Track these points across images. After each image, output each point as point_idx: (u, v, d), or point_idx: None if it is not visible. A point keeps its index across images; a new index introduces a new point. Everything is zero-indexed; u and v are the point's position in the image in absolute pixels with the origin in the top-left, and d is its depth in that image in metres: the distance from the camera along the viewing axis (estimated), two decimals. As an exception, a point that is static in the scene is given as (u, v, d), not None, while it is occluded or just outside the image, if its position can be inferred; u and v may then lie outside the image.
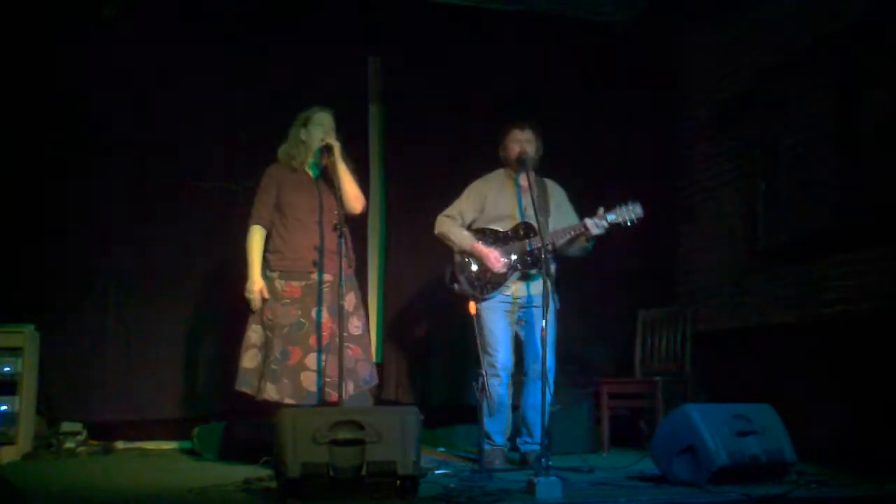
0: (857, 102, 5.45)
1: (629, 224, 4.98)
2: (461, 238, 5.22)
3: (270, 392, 4.73)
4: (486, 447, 4.91)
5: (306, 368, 4.78)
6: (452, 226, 5.26)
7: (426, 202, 6.48)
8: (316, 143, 4.96)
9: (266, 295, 4.87)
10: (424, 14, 6.72)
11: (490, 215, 5.24)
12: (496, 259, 5.10)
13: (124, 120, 6.21)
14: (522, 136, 5.21)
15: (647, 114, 7.11)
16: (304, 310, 4.85)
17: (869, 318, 5.20)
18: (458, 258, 5.24)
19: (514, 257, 5.11)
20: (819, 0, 5.74)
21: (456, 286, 5.06)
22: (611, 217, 4.96)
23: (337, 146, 4.87)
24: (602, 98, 7.02)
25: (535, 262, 5.04)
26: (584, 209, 5.22)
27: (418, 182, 6.65)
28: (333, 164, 4.84)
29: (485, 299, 5.15)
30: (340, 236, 4.59)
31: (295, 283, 4.88)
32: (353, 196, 4.94)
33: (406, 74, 6.76)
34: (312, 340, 4.81)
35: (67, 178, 6.09)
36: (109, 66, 6.17)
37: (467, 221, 5.29)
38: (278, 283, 4.89)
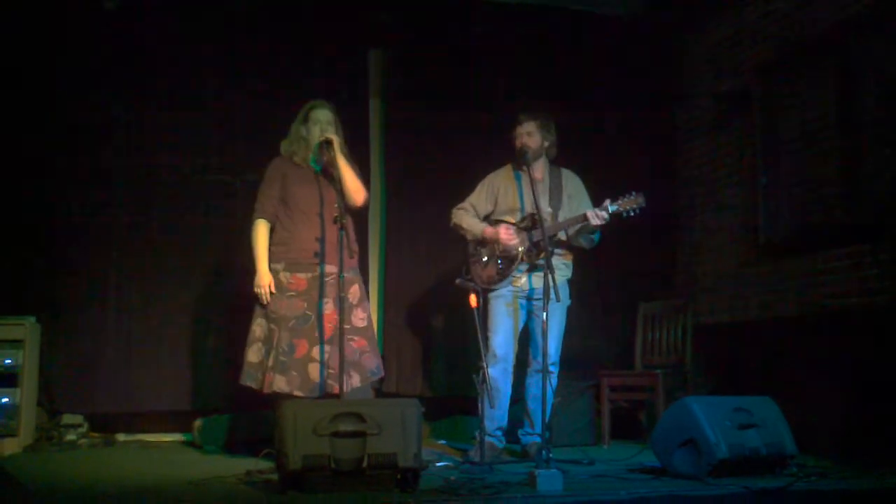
0: (856, 97, 5.45)
1: (631, 214, 4.99)
2: (473, 225, 5.28)
3: (280, 384, 4.71)
4: (487, 439, 4.91)
5: (314, 360, 4.77)
6: (465, 215, 5.33)
7: (426, 196, 6.52)
8: (315, 140, 4.96)
9: (274, 289, 4.87)
10: (425, 7, 6.71)
11: (501, 208, 5.30)
12: (506, 231, 5.13)
13: (125, 115, 6.21)
14: (522, 130, 5.24)
15: (647, 107, 7.10)
16: (310, 302, 4.84)
17: (868, 311, 5.20)
18: (470, 249, 5.29)
19: (521, 249, 5.13)
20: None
21: (458, 280, 5.07)
22: (612, 208, 4.97)
23: (336, 140, 4.86)
24: (603, 92, 7.01)
25: (540, 253, 5.04)
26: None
27: (419, 176, 6.66)
28: (333, 159, 4.83)
29: (492, 290, 5.17)
30: (341, 228, 4.58)
31: (301, 276, 4.86)
32: (353, 188, 4.93)
33: (407, 68, 6.75)
34: (318, 332, 4.81)
35: (68, 172, 6.09)
36: (110, 61, 6.17)
37: (481, 214, 5.34)
38: (283, 276, 4.88)
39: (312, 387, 4.73)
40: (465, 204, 5.37)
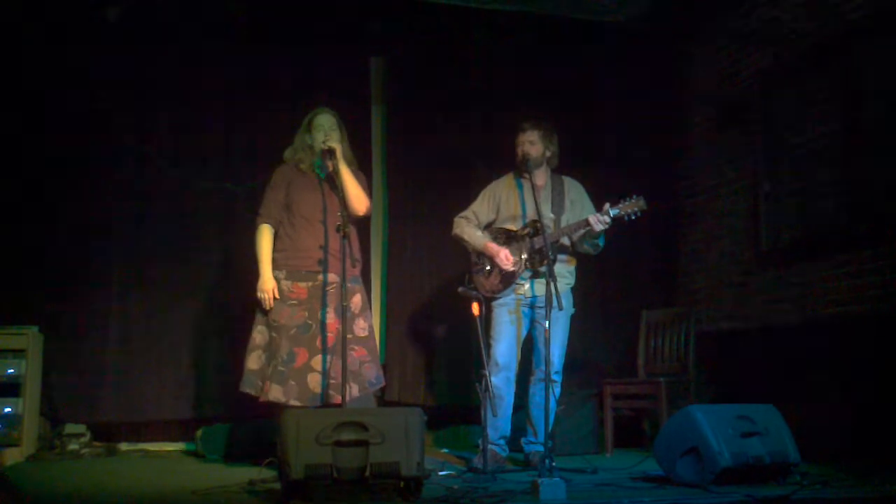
0: (859, 104, 5.45)
1: (633, 217, 4.99)
2: (474, 238, 5.27)
3: (276, 393, 4.72)
4: (490, 448, 4.90)
5: (313, 370, 4.77)
6: (467, 226, 5.32)
7: (429, 203, 6.53)
8: (319, 147, 4.97)
9: (277, 294, 4.87)
10: (427, 15, 6.72)
11: (504, 216, 5.30)
12: (506, 257, 5.12)
13: (126, 120, 6.22)
14: (525, 138, 5.24)
15: (649, 114, 7.11)
16: (311, 311, 4.84)
17: (871, 318, 5.20)
18: (473, 258, 5.30)
19: (523, 256, 5.13)
20: (820, 1, 5.74)
21: (460, 288, 5.07)
22: (614, 212, 4.98)
23: (338, 148, 4.87)
24: (604, 99, 7.02)
25: (543, 260, 5.04)
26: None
27: (421, 183, 6.67)
28: (336, 166, 4.84)
29: (496, 298, 5.17)
30: (343, 237, 4.58)
31: (301, 284, 4.87)
32: (355, 197, 4.93)
33: (409, 76, 6.77)
34: (319, 342, 4.81)
35: (70, 179, 6.10)
36: (111, 65, 6.19)
37: (483, 222, 5.34)
38: (285, 284, 4.88)
39: (311, 397, 4.73)
40: (468, 213, 5.37)
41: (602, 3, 6.84)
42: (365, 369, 4.90)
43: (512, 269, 5.11)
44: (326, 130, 4.96)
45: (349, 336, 4.78)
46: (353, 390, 4.79)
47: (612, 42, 7.05)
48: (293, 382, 4.74)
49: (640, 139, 7.02)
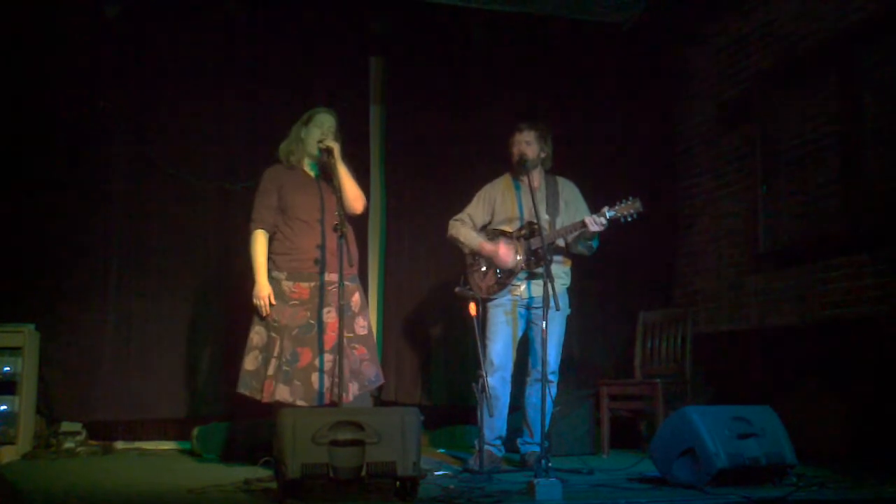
0: (857, 106, 5.46)
1: (629, 219, 4.98)
2: (469, 239, 5.26)
3: (283, 393, 4.69)
4: (486, 448, 4.90)
5: (317, 369, 4.76)
6: (462, 228, 5.31)
7: (427, 203, 6.53)
8: (312, 143, 4.95)
9: (273, 300, 4.86)
10: (426, 15, 6.73)
11: (499, 217, 5.29)
12: (505, 252, 5.11)
13: (125, 120, 6.22)
14: (521, 138, 5.23)
15: (647, 116, 7.11)
16: (313, 311, 4.83)
17: (868, 320, 5.20)
18: (468, 259, 5.29)
19: (519, 257, 5.12)
20: (820, 2, 5.75)
21: (457, 288, 5.06)
22: (610, 214, 4.97)
23: (336, 147, 4.86)
24: (603, 100, 7.03)
25: (539, 261, 5.04)
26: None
27: (419, 183, 6.66)
28: (333, 166, 4.83)
29: (492, 299, 5.17)
30: (341, 236, 4.57)
31: (304, 285, 4.85)
32: (353, 196, 4.93)
33: (407, 76, 6.77)
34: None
35: (68, 178, 6.09)
36: (110, 63, 6.19)
37: (478, 224, 5.33)
38: (286, 285, 4.86)
39: (315, 396, 4.71)
40: (463, 215, 5.35)
41: (601, 4, 6.84)
42: (364, 367, 4.90)
43: (510, 264, 5.10)
44: (325, 130, 4.95)
45: (350, 335, 4.78)
46: (354, 388, 4.79)
47: (610, 43, 7.05)
48: (298, 382, 4.73)
49: (639, 140, 7.02)
